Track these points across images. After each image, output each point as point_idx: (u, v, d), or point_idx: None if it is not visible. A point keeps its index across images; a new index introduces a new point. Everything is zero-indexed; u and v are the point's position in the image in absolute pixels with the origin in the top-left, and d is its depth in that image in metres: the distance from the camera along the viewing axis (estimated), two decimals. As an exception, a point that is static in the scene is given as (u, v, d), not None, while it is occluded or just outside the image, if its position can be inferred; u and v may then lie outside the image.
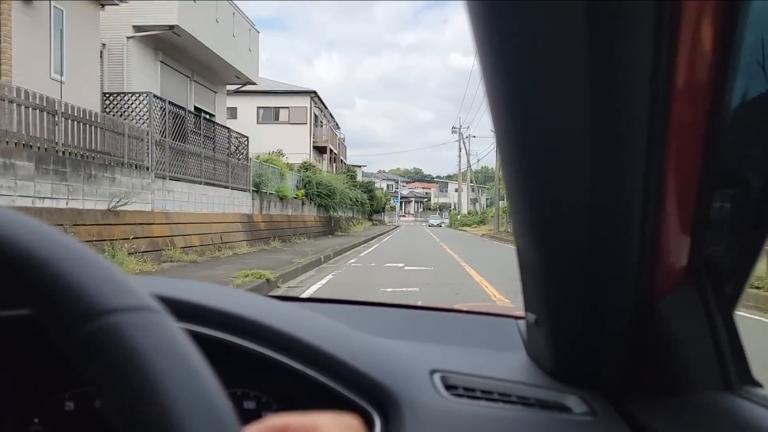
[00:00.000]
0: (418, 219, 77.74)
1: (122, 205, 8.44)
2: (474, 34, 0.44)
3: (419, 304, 1.16)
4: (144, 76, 12.25)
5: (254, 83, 17.43)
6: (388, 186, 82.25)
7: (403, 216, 80.00)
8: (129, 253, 7.89)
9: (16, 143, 6.75)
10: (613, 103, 0.42)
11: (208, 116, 14.31)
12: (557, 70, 0.42)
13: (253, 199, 14.88)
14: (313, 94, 28.66)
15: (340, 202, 23.51)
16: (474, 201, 60.37)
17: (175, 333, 0.29)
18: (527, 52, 0.42)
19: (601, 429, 0.57)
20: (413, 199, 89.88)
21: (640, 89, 0.42)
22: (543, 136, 0.46)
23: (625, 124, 0.43)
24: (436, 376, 0.63)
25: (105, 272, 0.30)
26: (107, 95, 10.82)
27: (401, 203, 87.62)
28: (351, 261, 11.75)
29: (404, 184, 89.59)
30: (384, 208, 58.65)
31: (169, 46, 12.88)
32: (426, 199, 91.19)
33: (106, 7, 10.44)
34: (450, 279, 8.59)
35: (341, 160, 33.86)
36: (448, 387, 0.62)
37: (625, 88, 0.42)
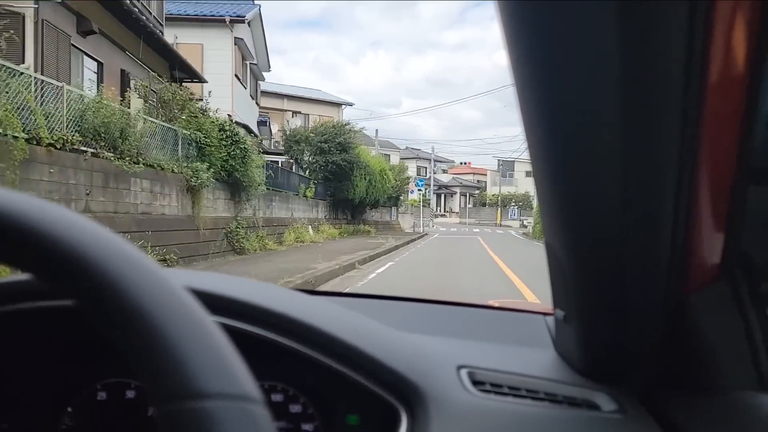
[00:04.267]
0: (467, 222, 47.47)
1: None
2: (503, 31, 0.43)
3: (447, 299, 1.10)
4: None
5: None
6: (419, 170, 52.83)
7: (442, 215, 49.98)
8: None
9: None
10: (645, 98, 0.42)
11: None
12: (588, 66, 0.41)
13: None
14: None
15: None
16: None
17: (267, 429, 0.28)
18: (558, 49, 0.41)
19: (630, 427, 0.56)
20: (458, 190, 58.98)
21: (673, 83, 0.41)
22: (573, 131, 0.45)
23: (657, 118, 0.43)
24: (464, 372, 0.63)
25: (213, 349, 0.29)
26: None
27: (440, 197, 57.50)
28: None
29: (442, 164, 58.80)
30: (398, 199, 29.08)
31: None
32: (478, 190, 60.41)
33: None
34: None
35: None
36: (476, 383, 0.61)
37: (658, 82, 0.41)
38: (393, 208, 30.47)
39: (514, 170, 51.99)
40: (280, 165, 17.27)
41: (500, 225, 43.09)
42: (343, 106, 30.89)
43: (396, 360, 0.58)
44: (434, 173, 51.72)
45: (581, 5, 0.39)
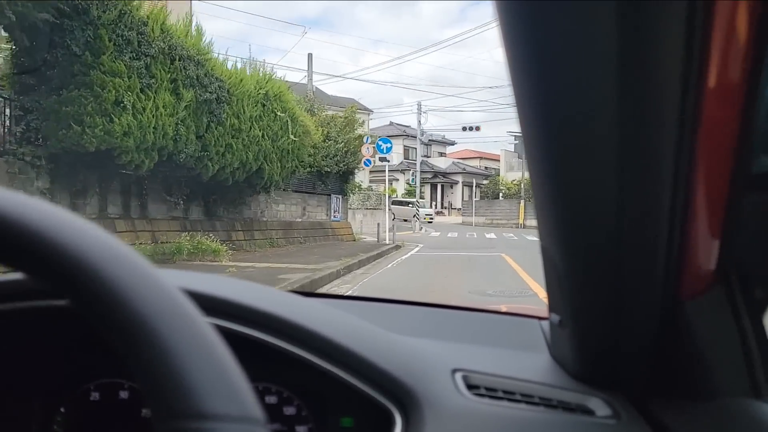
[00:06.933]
0: (473, 221, 32.98)
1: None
2: (501, 33, 0.43)
3: (443, 303, 1.10)
4: None
5: None
6: (408, 152, 38.60)
7: (438, 213, 35.73)
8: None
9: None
10: (642, 102, 0.42)
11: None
12: (586, 68, 0.41)
13: None
14: None
15: None
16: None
17: None
18: (556, 51, 0.41)
19: None
20: (460, 178, 44.81)
21: (670, 88, 0.41)
22: (570, 134, 0.45)
23: (654, 123, 0.43)
24: (458, 376, 0.63)
25: (219, 369, 0.29)
26: None
27: (435, 187, 43.20)
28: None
29: (436, 143, 43.73)
30: (347, 177, 14.68)
31: None
32: (487, 177, 45.75)
33: None
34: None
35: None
36: (470, 386, 0.61)
37: (656, 87, 0.41)
38: (337, 197, 16.02)
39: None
40: None
41: (525, 226, 28.36)
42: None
43: (390, 363, 0.58)
44: (427, 156, 36.90)
45: (578, 6, 0.38)
